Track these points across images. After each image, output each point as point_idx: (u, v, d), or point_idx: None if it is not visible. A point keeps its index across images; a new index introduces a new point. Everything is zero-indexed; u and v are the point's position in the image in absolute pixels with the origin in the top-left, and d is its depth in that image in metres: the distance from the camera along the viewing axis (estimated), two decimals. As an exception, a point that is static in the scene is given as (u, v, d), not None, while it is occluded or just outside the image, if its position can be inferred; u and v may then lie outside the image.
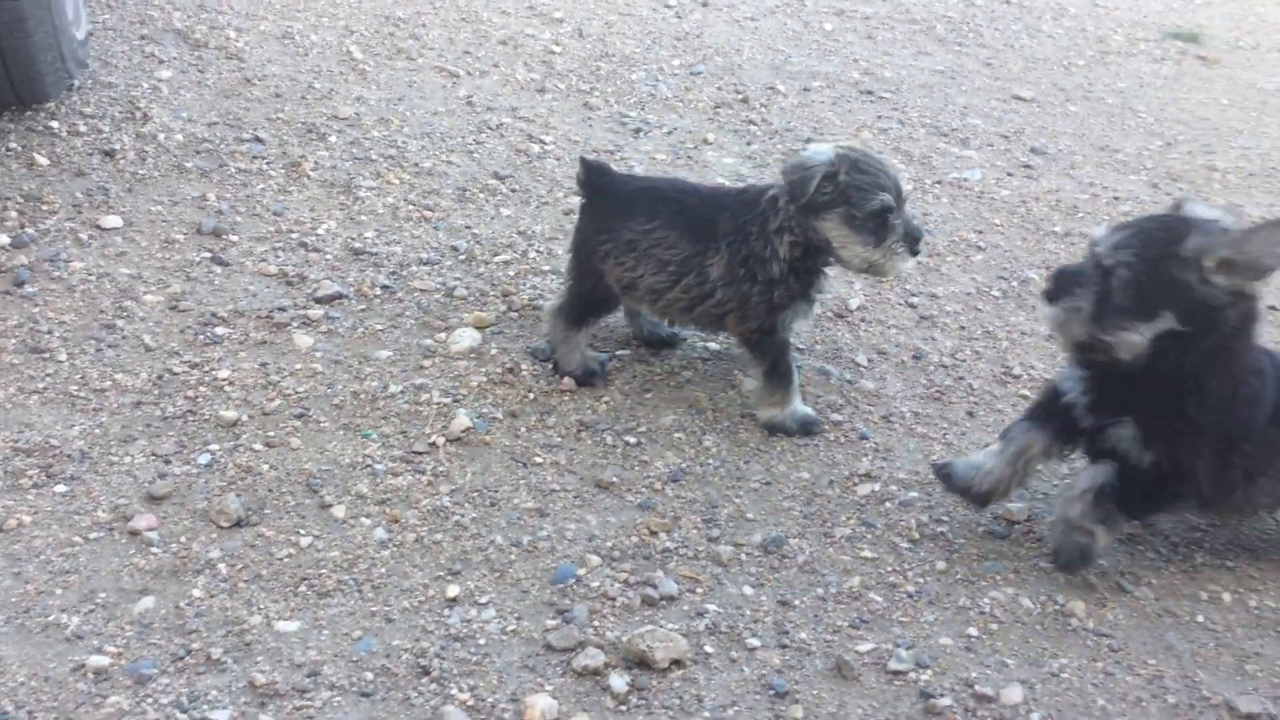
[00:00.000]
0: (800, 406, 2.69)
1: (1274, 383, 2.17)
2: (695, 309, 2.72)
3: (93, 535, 2.23)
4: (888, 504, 2.49)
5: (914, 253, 2.59)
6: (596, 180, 2.79)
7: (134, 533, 2.23)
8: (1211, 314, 2.01)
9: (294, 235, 3.35)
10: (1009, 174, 4.23)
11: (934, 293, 3.40)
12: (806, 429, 2.67)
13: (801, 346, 3.03)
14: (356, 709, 1.90)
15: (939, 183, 4.09)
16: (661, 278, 2.69)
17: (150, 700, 1.87)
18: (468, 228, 3.49)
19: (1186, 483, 2.18)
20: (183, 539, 2.23)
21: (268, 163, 3.69)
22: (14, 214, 3.28)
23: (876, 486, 2.54)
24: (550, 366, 2.82)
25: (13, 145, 3.51)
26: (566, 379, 2.78)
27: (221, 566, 2.18)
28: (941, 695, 1.99)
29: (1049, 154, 4.43)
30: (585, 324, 2.79)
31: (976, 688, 2.01)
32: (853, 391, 2.89)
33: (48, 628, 2.01)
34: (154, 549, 2.20)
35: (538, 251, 3.40)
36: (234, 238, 3.30)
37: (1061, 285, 2.16)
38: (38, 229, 3.22)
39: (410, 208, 3.56)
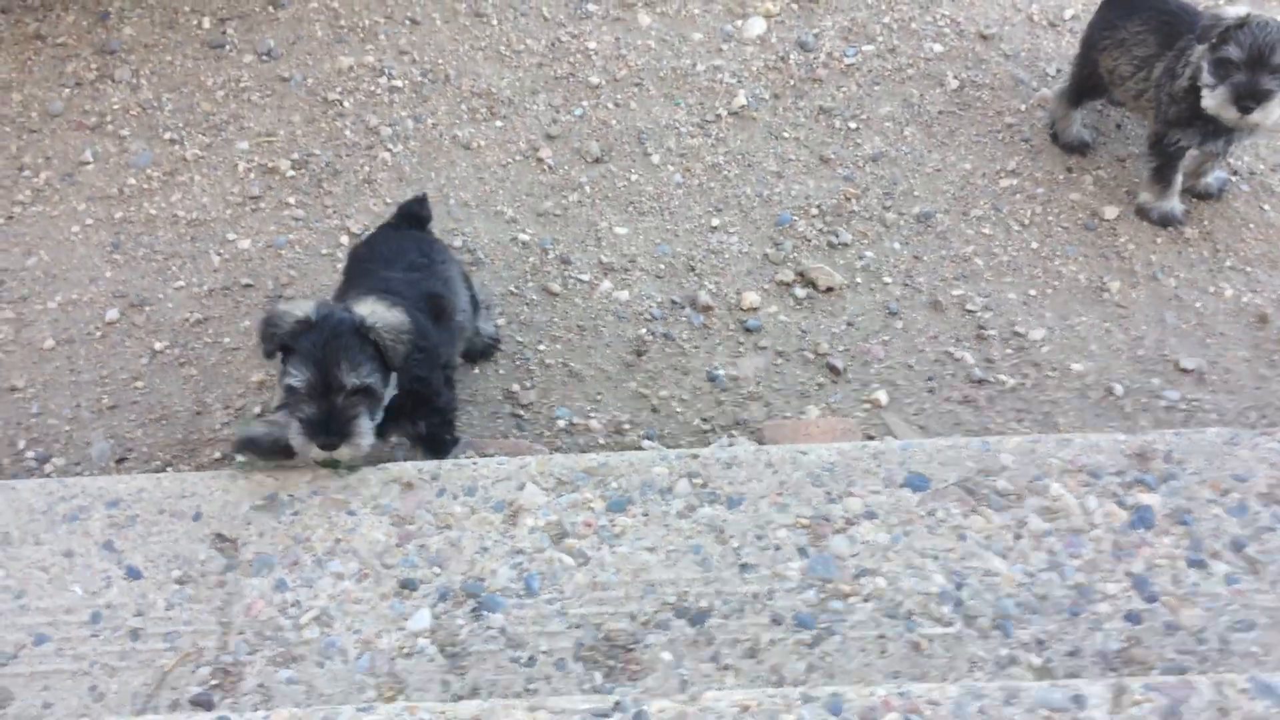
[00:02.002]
0: (1168, 204, 3.44)
1: None
2: (1140, 98, 3.44)
3: (516, 158, 3.83)
4: (1018, 195, 3.63)
5: (1242, 108, 3.08)
6: None
7: (539, 159, 3.81)
8: None
9: (646, -84, 4.49)
10: None
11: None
12: (1164, 220, 3.46)
13: (1010, 53, 3.97)
14: (655, 284, 3.48)
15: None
16: (1129, 68, 3.47)
17: (548, 256, 3.54)
18: (776, -87, 4.47)
19: None
20: (565, 167, 3.79)
21: None
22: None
23: (1015, 181, 3.66)
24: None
25: None
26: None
27: (586, 187, 3.73)
28: (990, 328, 3.30)
29: None
30: (1080, 104, 3.66)
31: (1015, 327, 3.31)
32: (1035, 98, 3.87)
33: (497, 214, 3.68)
34: (549, 172, 3.78)
35: (826, -58, 4.37)
36: (603, -83, 4.50)
37: None
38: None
39: (735, -111, 4.56)
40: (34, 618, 2.27)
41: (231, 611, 2.27)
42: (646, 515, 2.37)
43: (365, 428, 2.42)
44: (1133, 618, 2.16)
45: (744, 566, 2.28)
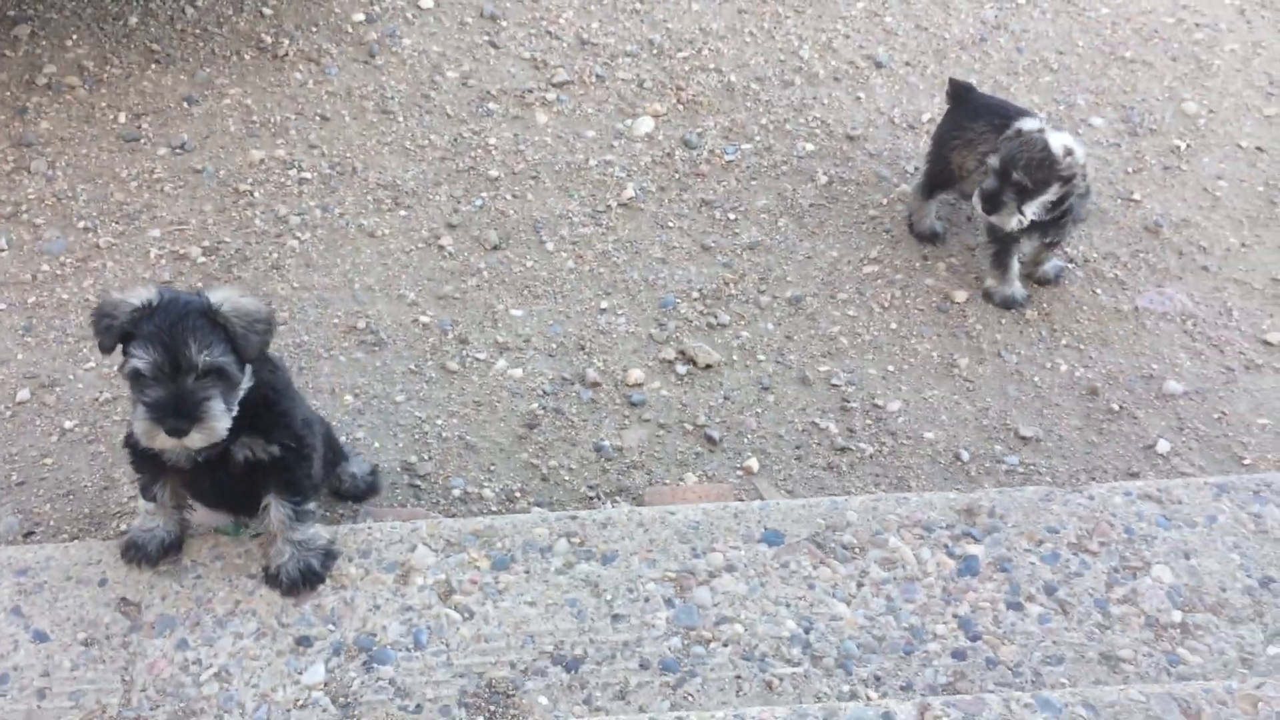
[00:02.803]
0: (1009, 288, 3.82)
1: None
2: None
3: (419, 245, 4.08)
4: (879, 281, 3.99)
5: (984, 209, 3.59)
6: (960, 94, 3.98)
7: (440, 246, 4.07)
8: None
9: (543, 22, 4.86)
10: (1120, -11, 5.06)
11: (994, 111, 4.56)
12: (1005, 304, 3.82)
13: (874, 152, 4.38)
14: (547, 362, 3.73)
15: (1052, -4, 5.02)
16: (973, 163, 3.81)
17: (447, 336, 3.77)
18: (664, 22, 4.87)
19: None
20: (465, 253, 4.05)
21: (530, -49, 5.11)
22: (364, -9, 4.94)
23: (877, 267, 4.03)
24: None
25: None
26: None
27: (485, 272, 3.99)
28: (853, 401, 3.62)
29: (1169, -32, 5.16)
30: (933, 196, 4.04)
31: (875, 399, 3.63)
32: (895, 193, 4.27)
33: (399, 297, 3.91)
34: (450, 259, 4.03)
35: (710, 49, 4.78)
36: (504, 23, 4.85)
37: None
38: (381, 6, 4.89)
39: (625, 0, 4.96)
40: (-58, 680, 2.39)
41: (135, 670, 2.42)
42: (528, 572, 2.59)
43: (218, 410, 2.26)
44: (959, 654, 2.44)
45: (616, 617, 2.51)
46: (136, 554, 2.62)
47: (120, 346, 2.29)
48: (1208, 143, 4.49)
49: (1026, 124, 3.58)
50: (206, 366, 2.24)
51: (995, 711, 1.98)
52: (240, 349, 2.30)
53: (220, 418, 2.27)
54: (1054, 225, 3.66)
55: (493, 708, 2.37)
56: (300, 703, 2.38)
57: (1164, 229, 4.15)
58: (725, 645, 2.45)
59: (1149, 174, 4.36)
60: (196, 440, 2.27)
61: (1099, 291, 3.96)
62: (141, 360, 2.22)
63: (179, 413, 2.22)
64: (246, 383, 2.39)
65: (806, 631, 2.47)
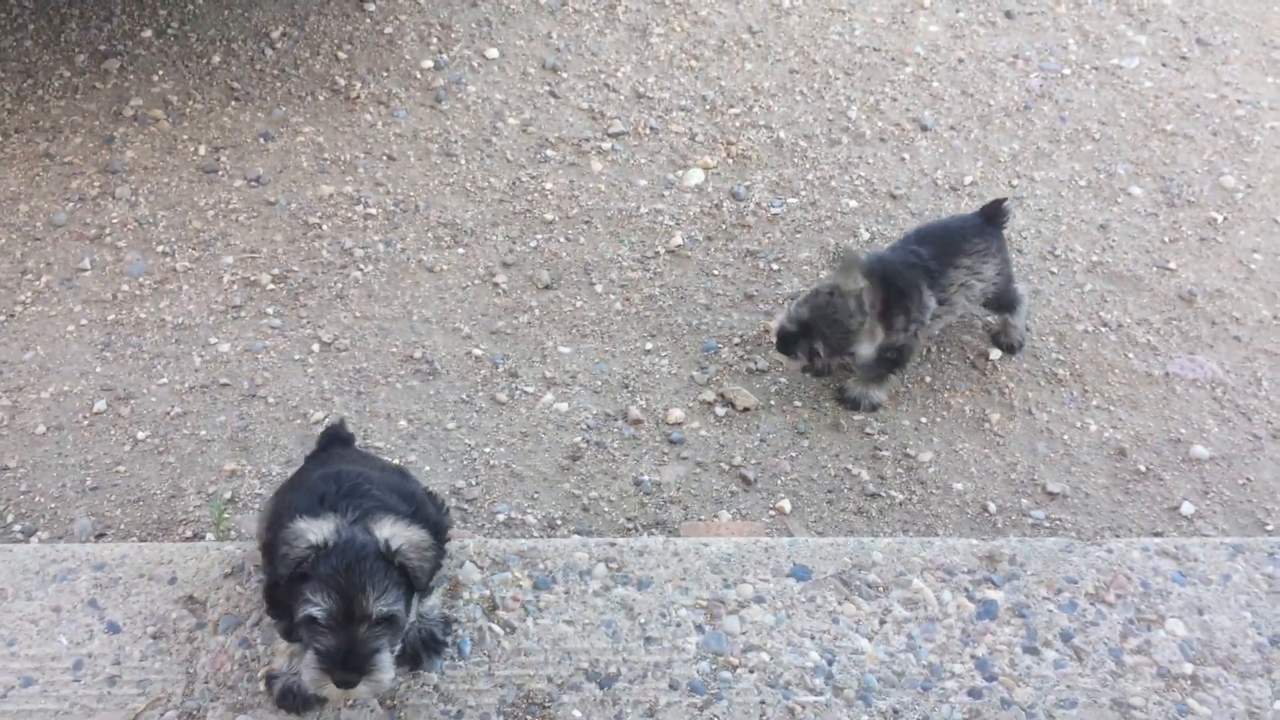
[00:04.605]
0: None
1: None
2: None
3: (475, 281, 4.28)
4: (915, 335, 4.12)
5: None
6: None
7: (495, 284, 4.27)
8: None
9: (601, 75, 5.09)
10: (1164, 64, 5.21)
11: (1033, 176, 4.72)
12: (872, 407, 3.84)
13: (915, 211, 4.54)
14: (592, 398, 3.90)
15: (1095, 68, 5.18)
16: None
17: (497, 370, 3.96)
18: (718, 79, 5.09)
19: None
20: (518, 291, 4.25)
21: (594, 4, 5.36)
22: (435, 39, 5.20)
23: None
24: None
25: (436, -8, 5.38)
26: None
27: (536, 310, 4.18)
28: (885, 450, 3.75)
29: (1211, 45, 5.31)
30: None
31: (907, 449, 3.75)
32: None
33: (454, 330, 4.11)
34: (503, 295, 4.23)
35: (760, 107, 4.98)
36: (564, 74, 5.09)
37: None
38: (449, 55, 5.14)
39: (683, 56, 5.18)
40: (22, 664, 2.57)
41: (198, 664, 2.60)
42: (568, 593, 2.74)
43: (386, 662, 2.24)
44: (975, 693, 2.55)
45: (648, 639, 2.65)
46: (293, 701, 2.53)
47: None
48: (1244, 216, 4.60)
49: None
50: (380, 616, 2.21)
51: (1003, 741, 2.10)
52: (414, 581, 2.30)
53: (387, 669, 2.24)
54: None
55: (529, 718, 2.51)
56: (350, 703, 2.53)
57: (1198, 298, 4.26)
58: (751, 672, 2.58)
59: (1185, 244, 4.48)
60: (362, 691, 2.26)
61: (1131, 356, 4.07)
62: (317, 608, 2.19)
63: (348, 665, 2.19)
64: (412, 617, 2.37)
65: (829, 663, 2.59)
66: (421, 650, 2.59)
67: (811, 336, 3.68)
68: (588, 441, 3.72)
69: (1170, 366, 4.02)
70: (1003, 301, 3.91)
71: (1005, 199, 3.88)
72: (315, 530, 2.25)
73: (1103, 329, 4.15)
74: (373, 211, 4.44)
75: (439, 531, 2.55)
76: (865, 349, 3.68)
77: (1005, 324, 4.01)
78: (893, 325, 3.68)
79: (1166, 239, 4.49)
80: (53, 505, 3.45)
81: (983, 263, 3.80)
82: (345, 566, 2.19)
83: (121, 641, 2.62)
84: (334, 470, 2.53)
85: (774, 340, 3.80)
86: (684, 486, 3.60)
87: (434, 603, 2.66)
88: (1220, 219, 4.57)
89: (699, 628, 2.67)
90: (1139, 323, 4.18)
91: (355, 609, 2.19)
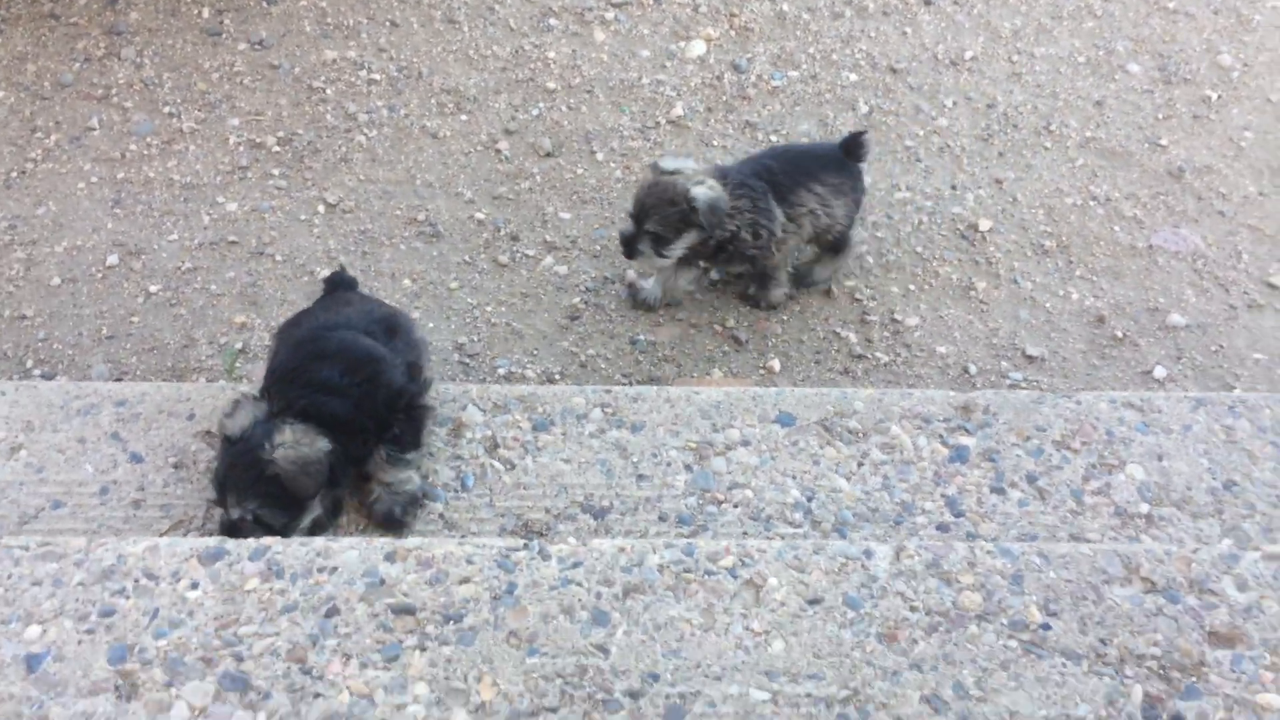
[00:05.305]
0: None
1: None
2: None
3: (477, 148, 4.36)
4: (909, 207, 4.22)
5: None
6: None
7: (497, 150, 4.34)
8: None
9: (606, -56, 5.07)
10: (1169, -59, 5.17)
11: (1033, 52, 4.75)
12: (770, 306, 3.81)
13: (915, 86, 4.58)
14: (591, 262, 4.01)
15: (1101, -55, 5.15)
16: None
17: (499, 233, 4.07)
18: (721, -50, 5.07)
19: None
20: (520, 158, 4.33)
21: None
22: (437, -95, 5.16)
23: (908, 194, 4.25)
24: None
25: None
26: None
27: (537, 177, 4.27)
28: (873, 315, 3.88)
29: (1219, -78, 5.26)
30: None
31: (894, 314, 3.89)
32: (931, 129, 4.47)
33: (457, 195, 4.20)
34: (505, 162, 4.31)
35: (763, -22, 4.97)
36: (568, -57, 5.06)
37: None
38: (451, -79, 5.11)
39: (687, -74, 5.15)
40: (51, 488, 2.75)
41: (217, 492, 2.76)
42: (565, 434, 2.90)
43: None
44: (943, 527, 2.73)
45: (640, 477, 2.82)
46: None
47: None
48: (1239, 95, 4.64)
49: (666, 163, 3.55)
50: (240, 518, 2.62)
51: (960, 554, 2.27)
52: (295, 493, 2.62)
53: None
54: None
55: (527, 545, 2.69)
56: (360, 527, 2.72)
57: (1186, 174, 4.34)
58: (736, 506, 2.76)
59: (1178, 121, 4.54)
60: None
61: (1117, 228, 4.17)
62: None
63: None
64: (304, 523, 2.70)
65: (809, 500, 2.77)
66: (383, 524, 2.72)
67: (645, 223, 3.50)
68: (586, 303, 3.85)
69: (1154, 239, 4.12)
70: (837, 244, 3.80)
71: (865, 131, 3.69)
72: (242, 416, 2.60)
73: (1091, 202, 4.24)
74: (376, 77, 4.49)
75: (399, 395, 2.74)
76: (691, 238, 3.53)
77: (821, 259, 3.87)
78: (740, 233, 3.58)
79: (1160, 116, 4.55)
80: (70, 352, 3.60)
81: (836, 198, 3.67)
82: (228, 465, 2.56)
83: (144, 470, 2.79)
84: (317, 330, 2.84)
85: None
86: (678, 346, 3.74)
87: (406, 475, 2.74)
88: (1215, 97, 4.62)
89: (688, 467, 2.83)
90: (1127, 197, 4.27)
91: (227, 505, 2.56)
